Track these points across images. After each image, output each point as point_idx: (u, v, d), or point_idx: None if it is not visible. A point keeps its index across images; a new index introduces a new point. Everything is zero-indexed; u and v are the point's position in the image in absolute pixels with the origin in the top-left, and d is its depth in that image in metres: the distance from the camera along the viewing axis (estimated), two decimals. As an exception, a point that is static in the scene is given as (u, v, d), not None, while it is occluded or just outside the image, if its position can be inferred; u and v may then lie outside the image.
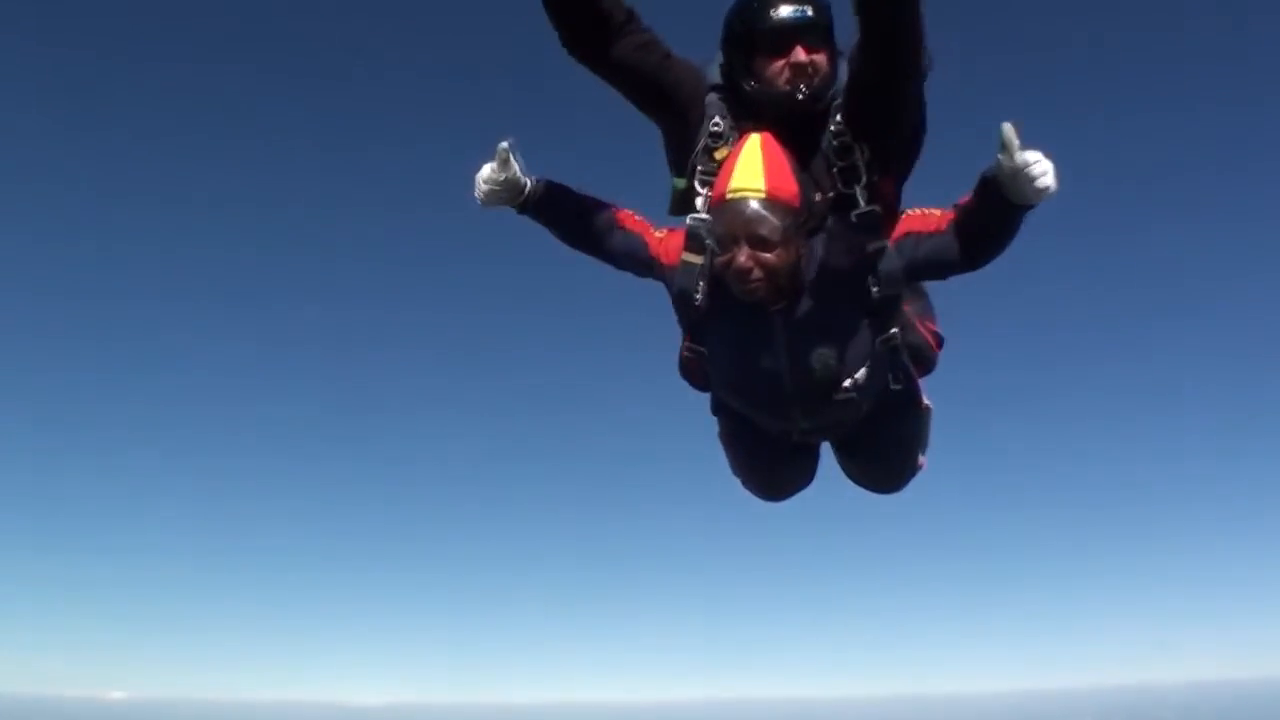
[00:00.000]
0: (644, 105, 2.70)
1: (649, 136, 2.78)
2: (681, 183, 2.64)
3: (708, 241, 2.46)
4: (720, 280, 2.46)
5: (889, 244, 2.46)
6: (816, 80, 2.50)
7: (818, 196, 2.51)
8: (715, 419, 3.02)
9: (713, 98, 2.63)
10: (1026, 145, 2.25)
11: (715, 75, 2.66)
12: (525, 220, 2.81)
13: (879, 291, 2.47)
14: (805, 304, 2.48)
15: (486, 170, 2.71)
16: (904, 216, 2.52)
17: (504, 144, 2.64)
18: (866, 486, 3.18)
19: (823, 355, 2.49)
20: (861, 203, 2.51)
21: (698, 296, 2.56)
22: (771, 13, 2.47)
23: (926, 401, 2.95)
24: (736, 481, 3.18)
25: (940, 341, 2.83)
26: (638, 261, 2.70)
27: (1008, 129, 2.24)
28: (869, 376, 2.55)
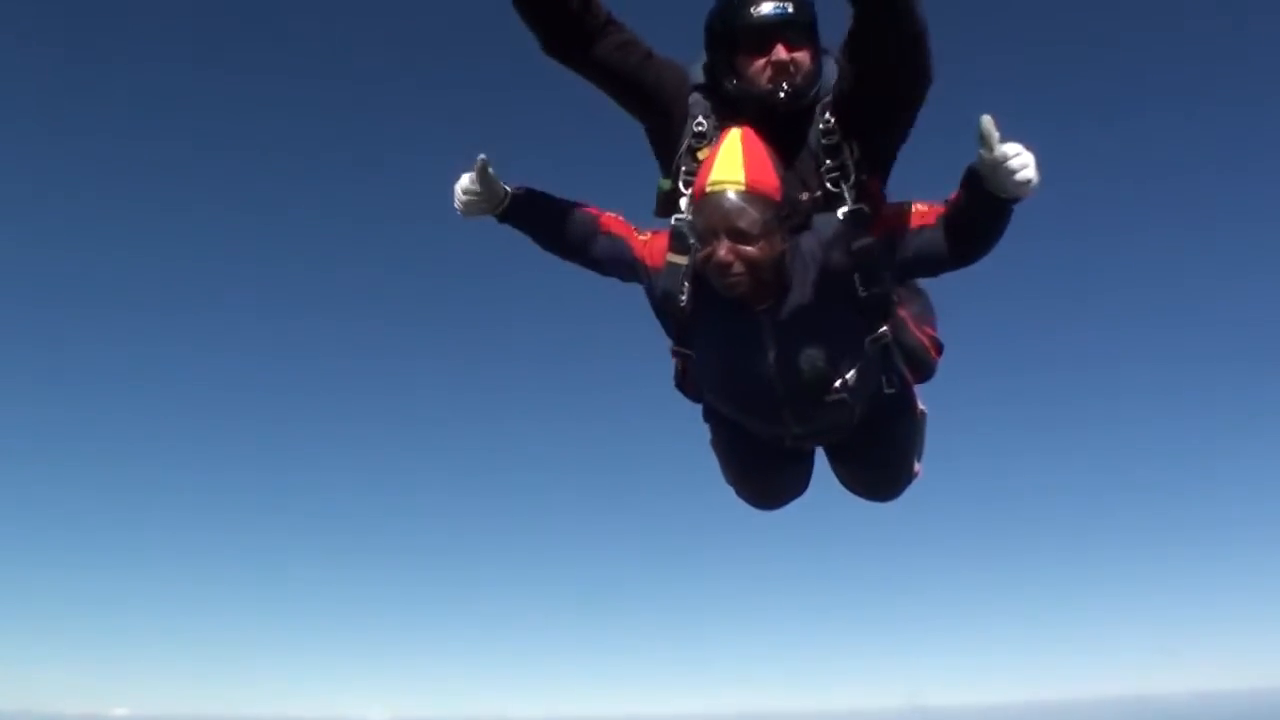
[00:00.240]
0: (627, 106, 2.69)
1: (638, 138, 2.77)
2: (667, 184, 2.62)
3: (691, 240, 2.42)
4: (704, 279, 2.42)
5: (875, 241, 2.42)
6: (799, 79, 2.48)
7: (804, 195, 2.48)
8: (707, 426, 2.95)
9: (696, 97, 2.62)
10: (1008, 138, 2.19)
11: (699, 75, 2.64)
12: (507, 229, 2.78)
13: (866, 290, 2.42)
14: (792, 303, 2.43)
15: (465, 180, 2.70)
16: (891, 213, 2.47)
17: (482, 156, 2.63)
18: (861, 494, 3.13)
19: (811, 356, 2.45)
20: (849, 200, 2.47)
21: (683, 298, 2.52)
22: (752, 10, 2.45)
23: (921, 406, 2.90)
24: (730, 491, 3.09)
25: (940, 348, 2.78)
26: (622, 265, 2.66)
27: (986, 121, 2.19)
28: (860, 378, 2.50)
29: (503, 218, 2.74)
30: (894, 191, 2.65)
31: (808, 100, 2.52)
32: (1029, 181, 2.20)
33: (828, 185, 2.50)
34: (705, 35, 2.59)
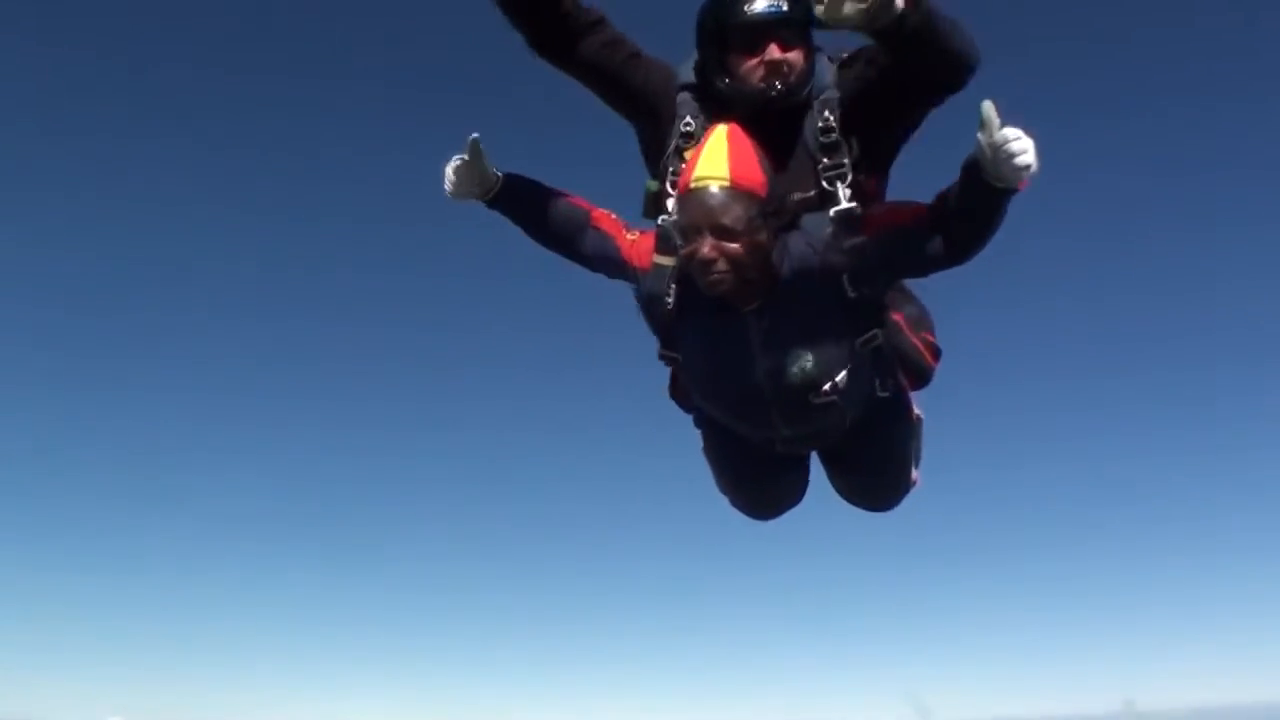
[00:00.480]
0: (615, 106, 2.66)
1: (630, 139, 2.74)
2: (654, 185, 2.58)
3: (675, 239, 2.36)
4: (690, 280, 2.37)
5: (866, 240, 2.35)
6: (792, 78, 2.44)
7: (797, 195, 2.43)
8: (698, 433, 2.88)
9: (684, 97, 2.57)
10: (1009, 123, 2.14)
11: (688, 74, 2.60)
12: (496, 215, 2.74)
13: (856, 290, 2.36)
14: (779, 303, 2.37)
15: (455, 162, 2.66)
16: (882, 211, 2.41)
17: (474, 136, 2.59)
18: (859, 504, 3.05)
19: (799, 357, 2.38)
20: (843, 200, 2.42)
21: (668, 300, 2.46)
22: (745, 7, 2.40)
23: (918, 412, 2.83)
24: (726, 502, 3.02)
25: (938, 353, 2.71)
26: (609, 263, 2.61)
27: (987, 106, 2.13)
28: (850, 381, 2.44)
29: (492, 203, 2.70)
30: (892, 192, 2.61)
31: (801, 99, 2.48)
32: (1028, 167, 2.13)
33: (824, 185, 2.45)
34: (696, 32, 2.55)
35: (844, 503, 3.03)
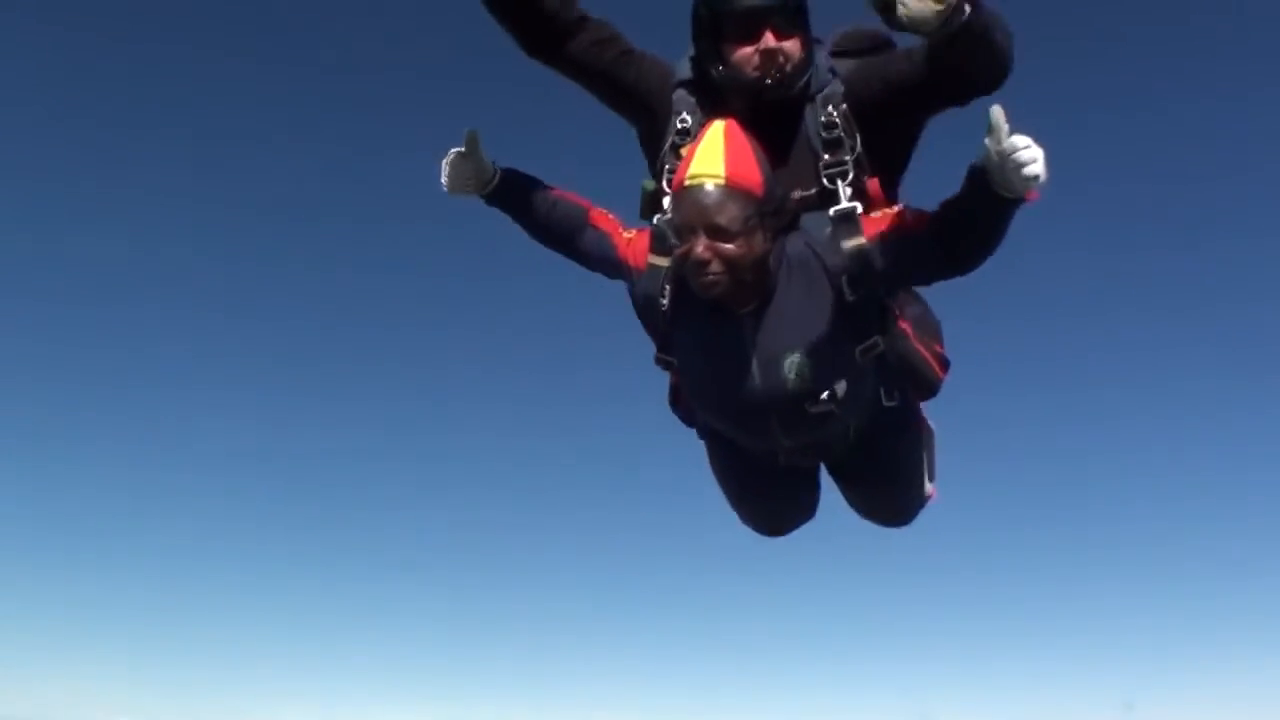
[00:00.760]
0: (611, 105, 2.62)
1: (631, 135, 2.69)
2: (651, 184, 2.52)
3: (669, 238, 2.29)
4: (684, 280, 2.29)
5: (866, 243, 2.26)
6: (789, 67, 2.37)
7: (797, 194, 2.36)
8: (703, 444, 2.80)
9: (680, 93, 2.51)
10: (1018, 131, 2.05)
11: (685, 70, 2.54)
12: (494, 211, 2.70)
13: (855, 295, 2.26)
14: (776, 307, 2.29)
15: (453, 154, 2.61)
16: (885, 214, 2.31)
17: (471, 129, 2.56)
18: (873, 518, 2.96)
19: (796, 363, 2.29)
20: (843, 199, 2.34)
21: (663, 301, 2.39)
22: None
23: (929, 423, 2.74)
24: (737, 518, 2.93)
25: (946, 364, 2.61)
26: (606, 263, 2.55)
27: (996, 111, 2.04)
28: (851, 389, 2.34)
29: (490, 198, 2.65)
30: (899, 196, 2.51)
31: (798, 89, 2.41)
32: (1036, 177, 2.02)
33: (824, 183, 2.38)
34: (691, 23, 2.48)
35: (855, 515, 2.94)
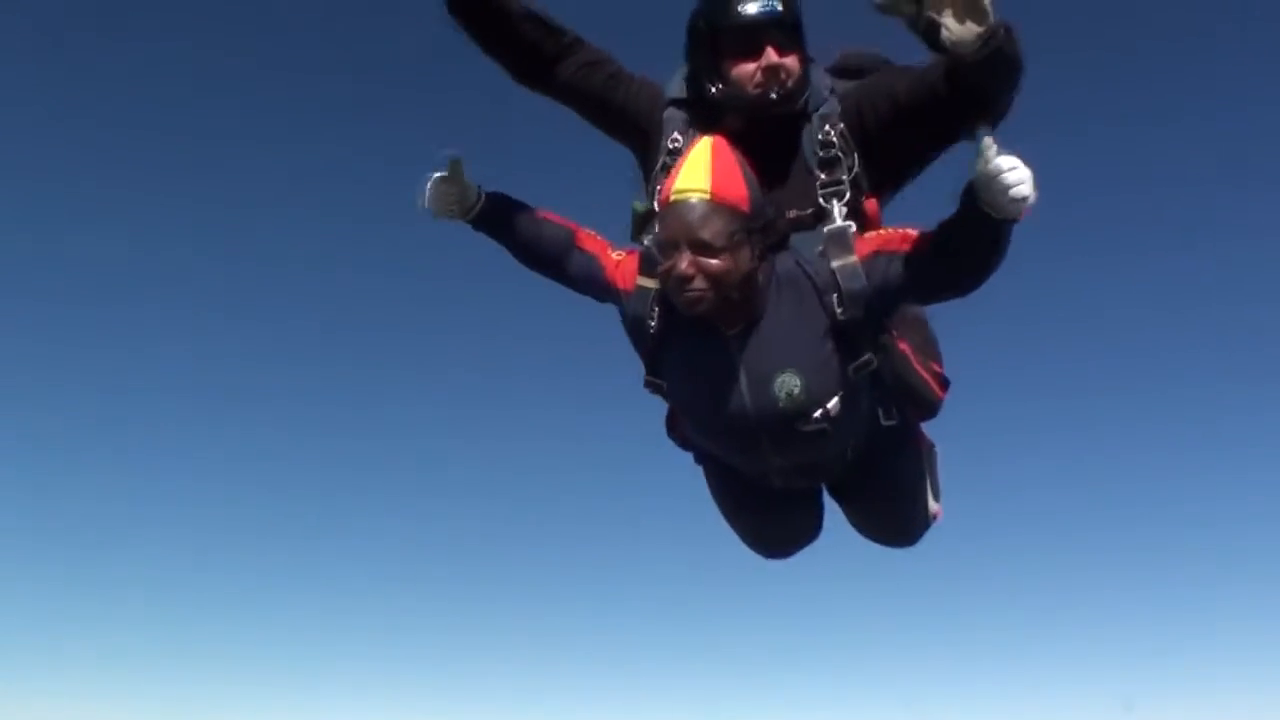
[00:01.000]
0: (604, 127, 2.60)
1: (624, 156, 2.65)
2: (642, 205, 2.49)
3: (656, 257, 2.26)
4: (670, 299, 2.26)
5: (857, 262, 2.23)
6: (790, 83, 2.35)
7: (791, 212, 2.34)
8: (700, 470, 2.76)
9: (671, 112, 2.50)
10: (1007, 151, 2.02)
11: (678, 89, 2.52)
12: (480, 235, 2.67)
13: (844, 313, 2.22)
14: (765, 326, 2.26)
15: (435, 179, 2.59)
16: (878, 233, 2.29)
17: (453, 152, 2.54)
18: (875, 539, 2.91)
19: (785, 383, 2.25)
20: (837, 218, 2.32)
21: (651, 322, 2.36)
22: (738, 8, 2.32)
23: (930, 441, 2.70)
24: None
25: (945, 384, 2.57)
26: (595, 285, 2.52)
27: (984, 131, 2.02)
28: (844, 408, 2.30)
29: (474, 223, 2.62)
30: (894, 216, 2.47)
31: (798, 108, 2.39)
32: (1025, 199, 1.99)
33: (820, 202, 2.35)
34: (687, 39, 2.46)
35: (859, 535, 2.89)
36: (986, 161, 1.99)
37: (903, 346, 2.47)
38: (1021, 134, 2.18)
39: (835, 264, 2.23)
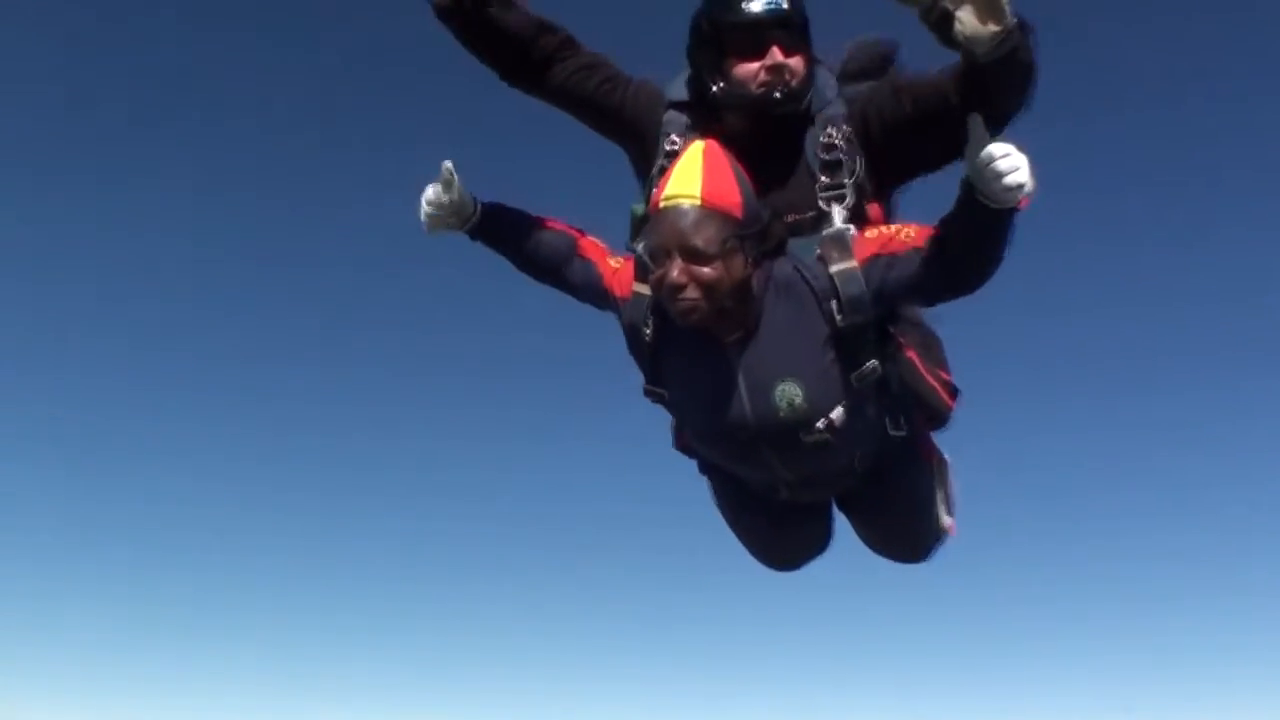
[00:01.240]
0: (599, 129, 2.55)
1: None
2: (640, 209, 2.42)
3: (648, 265, 2.20)
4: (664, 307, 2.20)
5: (857, 265, 2.16)
6: (794, 84, 2.29)
7: (792, 217, 2.28)
8: (705, 480, 2.70)
9: (671, 115, 2.44)
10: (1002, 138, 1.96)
11: (678, 91, 2.46)
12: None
13: (844, 320, 2.15)
14: (764, 334, 2.19)
15: (430, 192, 2.52)
16: (877, 234, 2.22)
17: (447, 164, 2.46)
18: (884, 554, 2.83)
19: (786, 392, 2.19)
20: (837, 222, 2.26)
21: (647, 330, 2.30)
22: (743, 6, 2.26)
23: (942, 453, 2.61)
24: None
25: (955, 393, 2.50)
26: (594, 293, 2.47)
27: (974, 119, 1.96)
28: (849, 418, 2.22)
29: (472, 235, 2.56)
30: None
31: (802, 109, 2.33)
32: (1020, 186, 1.92)
33: (820, 205, 2.29)
34: (690, 38, 2.41)
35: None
36: (976, 150, 1.93)
37: (910, 354, 2.40)
38: (1024, 125, 2.17)
39: (834, 269, 2.16)
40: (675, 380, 2.34)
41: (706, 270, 2.06)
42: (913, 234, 2.16)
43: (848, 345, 2.19)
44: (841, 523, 2.79)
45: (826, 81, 2.40)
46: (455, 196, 2.48)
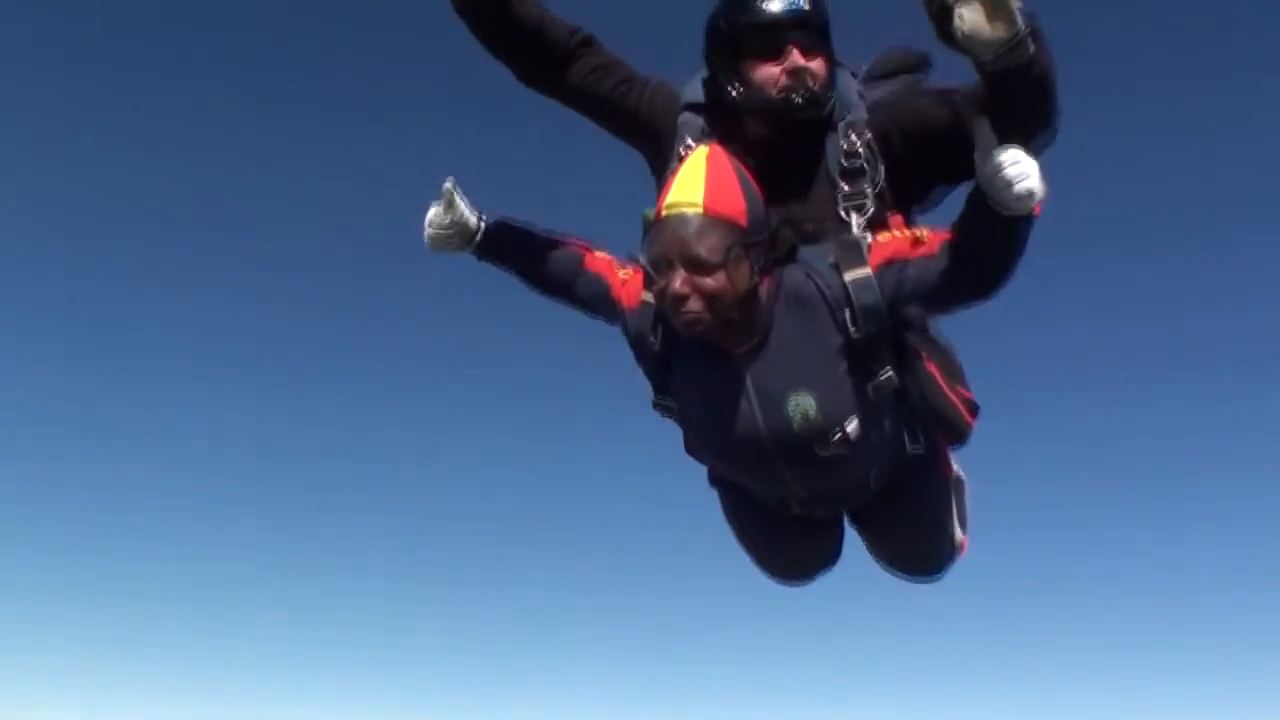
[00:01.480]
0: (615, 131, 2.50)
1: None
2: (651, 213, 2.32)
3: (650, 275, 2.14)
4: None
5: (871, 273, 2.10)
6: (815, 87, 2.22)
7: (810, 226, 2.22)
8: (714, 491, 2.65)
9: (686, 117, 2.38)
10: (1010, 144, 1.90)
11: (695, 93, 2.40)
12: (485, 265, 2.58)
13: (859, 330, 2.09)
14: (774, 345, 2.13)
15: (432, 211, 2.48)
16: (890, 241, 2.15)
17: (448, 183, 2.43)
18: (896, 570, 2.76)
19: (800, 404, 2.12)
20: (855, 231, 2.20)
21: (654, 340, 2.25)
22: (762, 6, 2.21)
23: (957, 471, 2.55)
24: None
25: (975, 410, 2.44)
26: (603, 306, 2.41)
27: (982, 124, 1.91)
28: (864, 430, 2.16)
29: (478, 254, 2.52)
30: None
31: (823, 114, 2.26)
32: (1030, 193, 1.87)
33: (840, 214, 2.23)
34: (706, 40, 2.35)
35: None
36: (983, 158, 1.88)
37: (930, 367, 2.34)
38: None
39: (848, 277, 2.10)
40: (684, 393, 2.29)
41: (710, 281, 2.00)
42: (926, 238, 2.10)
43: (862, 355, 2.12)
44: (850, 534, 2.73)
45: (848, 85, 2.34)
46: (457, 216, 2.44)
